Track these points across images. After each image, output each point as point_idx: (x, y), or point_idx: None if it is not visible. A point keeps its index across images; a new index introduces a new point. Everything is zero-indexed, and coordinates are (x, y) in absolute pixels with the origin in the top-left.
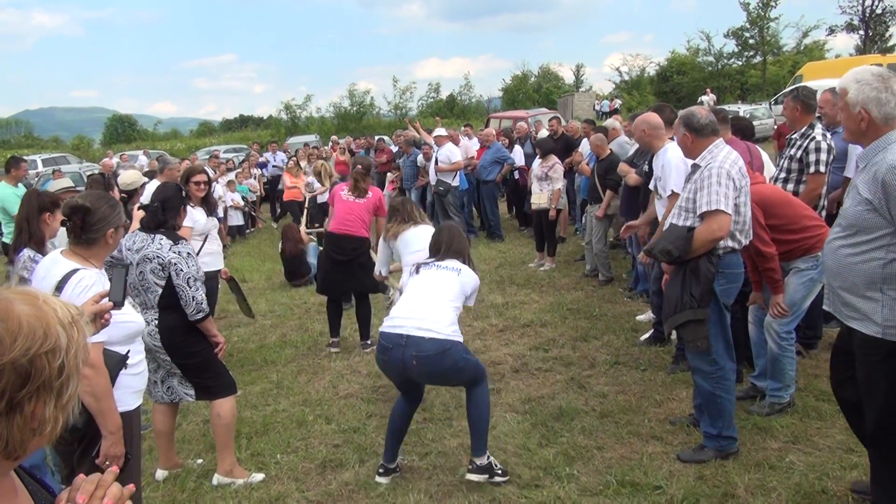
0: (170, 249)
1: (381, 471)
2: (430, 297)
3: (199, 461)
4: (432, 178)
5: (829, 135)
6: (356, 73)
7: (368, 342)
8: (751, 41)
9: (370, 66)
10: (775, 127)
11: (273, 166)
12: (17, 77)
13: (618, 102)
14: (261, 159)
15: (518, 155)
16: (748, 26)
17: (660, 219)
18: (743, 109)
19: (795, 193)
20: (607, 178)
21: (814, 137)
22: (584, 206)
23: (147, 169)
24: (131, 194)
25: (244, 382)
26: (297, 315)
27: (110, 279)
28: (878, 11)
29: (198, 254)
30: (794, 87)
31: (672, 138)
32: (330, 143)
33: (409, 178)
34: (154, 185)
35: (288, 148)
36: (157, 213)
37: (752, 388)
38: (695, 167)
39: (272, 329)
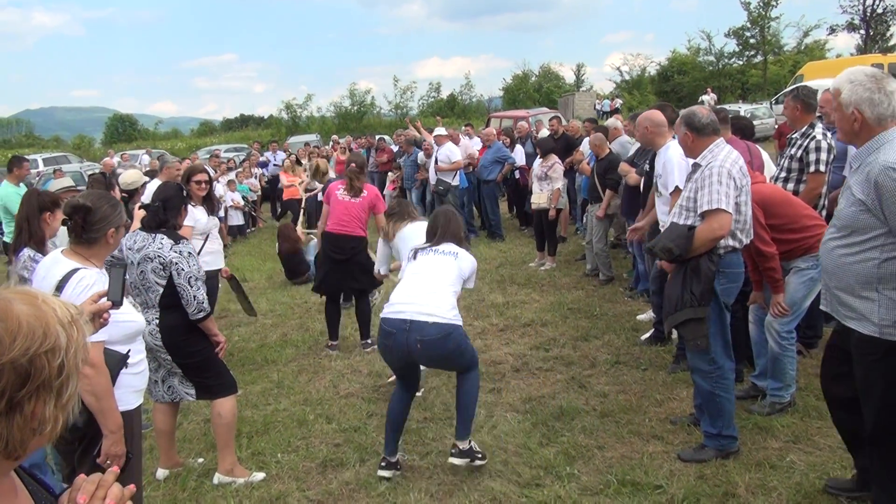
0: (171, 249)
1: (382, 464)
2: (429, 282)
3: (200, 460)
4: (432, 178)
5: (829, 134)
6: (357, 72)
7: (369, 341)
8: (752, 41)
9: (371, 66)
10: (776, 126)
11: (274, 165)
12: (18, 76)
13: (618, 102)
14: (261, 159)
15: (519, 154)
16: (749, 26)
17: (659, 216)
18: (744, 109)
19: (796, 193)
20: (607, 178)
21: (814, 137)
22: (584, 206)
23: (148, 168)
24: (132, 194)
25: (245, 382)
26: (298, 314)
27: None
28: (879, 11)
29: (199, 253)
30: (794, 86)
31: (674, 137)
32: (330, 143)
33: (409, 178)
34: (155, 184)
35: (288, 147)
36: (158, 212)
37: (752, 388)
38: (695, 166)
39: (273, 328)
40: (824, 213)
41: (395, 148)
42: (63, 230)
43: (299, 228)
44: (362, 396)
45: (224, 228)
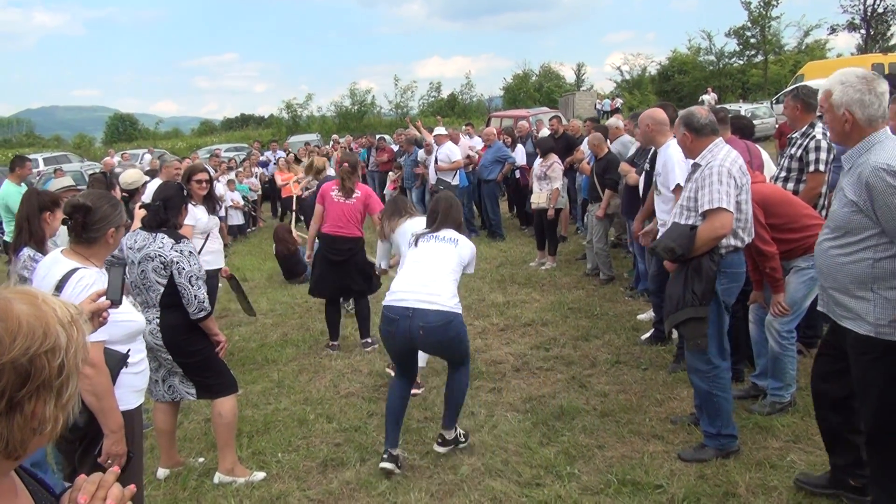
0: (171, 248)
1: (384, 456)
2: (430, 270)
3: (201, 460)
4: (432, 178)
5: (829, 134)
6: (357, 72)
7: (369, 340)
8: (752, 40)
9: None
10: (776, 126)
11: (274, 165)
12: (19, 76)
13: (619, 102)
14: (262, 158)
15: (520, 154)
16: (749, 25)
17: (658, 215)
18: (744, 109)
19: (796, 192)
20: (605, 178)
21: (814, 136)
22: (585, 206)
23: (149, 168)
24: (133, 193)
25: (245, 381)
26: (299, 314)
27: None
28: (880, 10)
29: (199, 252)
30: (794, 86)
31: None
32: (331, 142)
33: (409, 177)
34: (156, 183)
35: (289, 147)
36: (159, 211)
37: (753, 388)
38: (695, 166)
39: (273, 328)
40: (824, 212)
41: (395, 147)
42: (63, 230)
43: (293, 230)
44: (363, 396)
45: (224, 228)
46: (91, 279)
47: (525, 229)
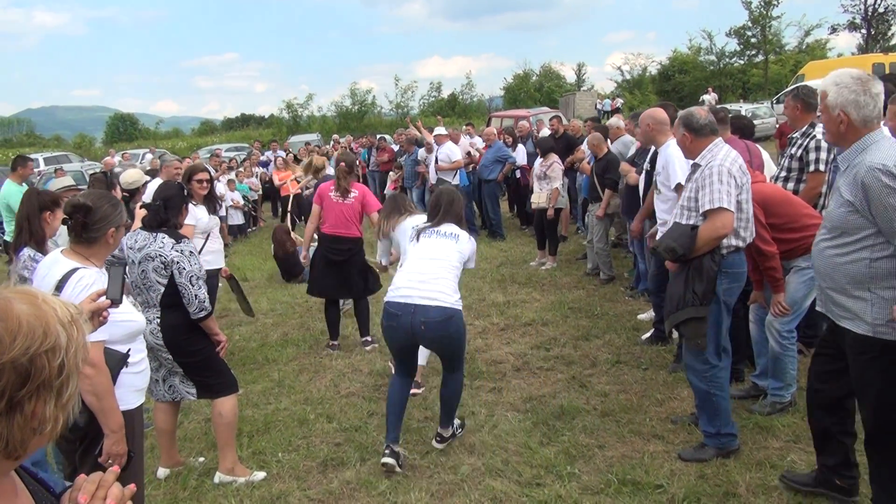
0: (172, 248)
1: (386, 452)
2: (431, 265)
3: (201, 459)
4: (433, 177)
5: (825, 134)
6: (358, 71)
7: (369, 339)
8: (753, 40)
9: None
10: (777, 126)
11: (274, 165)
12: (20, 76)
13: (619, 101)
14: (262, 158)
15: (521, 154)
16: (750, 25)
17: (658, 214)
18: (745, 108)
19: (796, 192)
20: (605, 177)
21: (814, 136)
22: (585, 205)
23: (149, 168)
24: (133, 193)
25: (246, 381)
26: (299, 313)
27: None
28: (881, 10)
29: (200, 252)
30: (795, 86)
31: None
32: (331, 142)
33: (410, 177)
34: (156, 183)
35: (289, 147)
36: (160, 211)
37: (753, 388)
38: (695, 166)
39: (274, 328)
40: (824, 212)
41: (396, 147)
42: (63, 230)
43: (293, 234)
44: (363, 396)
45: (224, 228)
46: (91, 279)
47: (525, 229)
